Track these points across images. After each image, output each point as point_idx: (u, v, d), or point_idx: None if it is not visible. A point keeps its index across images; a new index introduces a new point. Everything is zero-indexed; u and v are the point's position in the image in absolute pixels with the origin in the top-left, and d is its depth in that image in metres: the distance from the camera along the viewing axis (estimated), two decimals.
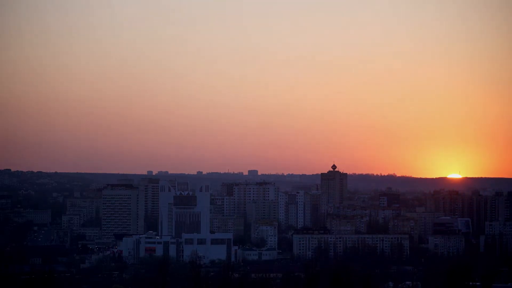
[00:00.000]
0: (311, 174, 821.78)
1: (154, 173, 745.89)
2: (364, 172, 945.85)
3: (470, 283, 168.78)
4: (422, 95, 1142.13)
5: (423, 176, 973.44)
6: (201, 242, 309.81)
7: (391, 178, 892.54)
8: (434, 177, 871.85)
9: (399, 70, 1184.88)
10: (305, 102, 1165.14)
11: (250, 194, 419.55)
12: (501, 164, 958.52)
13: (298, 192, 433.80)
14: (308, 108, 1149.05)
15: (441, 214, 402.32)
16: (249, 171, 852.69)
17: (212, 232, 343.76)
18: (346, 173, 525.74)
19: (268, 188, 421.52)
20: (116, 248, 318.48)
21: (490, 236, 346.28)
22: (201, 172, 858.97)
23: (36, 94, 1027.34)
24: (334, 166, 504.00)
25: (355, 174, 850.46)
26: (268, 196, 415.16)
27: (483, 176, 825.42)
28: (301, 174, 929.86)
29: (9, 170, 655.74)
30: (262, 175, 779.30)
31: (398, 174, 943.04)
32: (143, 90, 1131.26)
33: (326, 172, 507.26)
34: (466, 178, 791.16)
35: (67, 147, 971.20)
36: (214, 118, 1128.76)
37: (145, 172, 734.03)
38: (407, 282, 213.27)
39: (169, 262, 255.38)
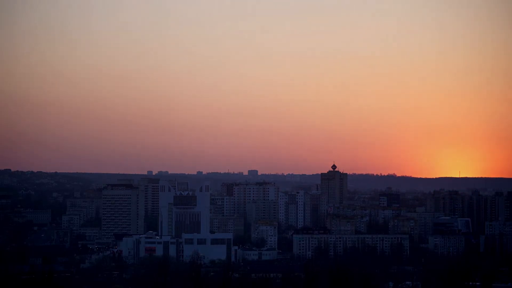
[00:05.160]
0: (311, 174, 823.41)
1: (154, 173, 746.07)
2: (364, 172, 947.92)
3: (470, 283, 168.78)
4: (422, 95, 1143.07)
5: (423, 176, 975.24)
6: (201, 242, 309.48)
7: (391, 178, 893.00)
8: (434, 177, 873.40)
9: (399, 70, 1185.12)
10: (305, 103, 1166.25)
11: (250, 194, 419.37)
12: (501, 164, 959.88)
13: (298, 192, 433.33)
14: (308, 108, 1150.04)
15: (441, 214, 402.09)
16: (249, 171, 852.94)
17: (212, 232, 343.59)
18: (346, 173, 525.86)
19: (268, 188, 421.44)
20: (116, 248, 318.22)
21: (490, 236, 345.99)
22: (201, 172, 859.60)
23: (36, 94, 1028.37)
24: (334, 166, 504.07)
25: (355, 174, 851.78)
26: (268, 196, 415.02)
27: (483, 176, 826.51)
28: (301, 174, 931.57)
29: (9, 170, 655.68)
30: (262, 175, 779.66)
31: (398, 174, 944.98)
32: (143, 90, 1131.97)
33: (326, 172, 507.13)
34: (466, 178, 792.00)
35: (67, 147, 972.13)
36: (214, 118, 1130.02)
37: (145, 172, 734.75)
38: (407, 282, 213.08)
39: (169, 262, 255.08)
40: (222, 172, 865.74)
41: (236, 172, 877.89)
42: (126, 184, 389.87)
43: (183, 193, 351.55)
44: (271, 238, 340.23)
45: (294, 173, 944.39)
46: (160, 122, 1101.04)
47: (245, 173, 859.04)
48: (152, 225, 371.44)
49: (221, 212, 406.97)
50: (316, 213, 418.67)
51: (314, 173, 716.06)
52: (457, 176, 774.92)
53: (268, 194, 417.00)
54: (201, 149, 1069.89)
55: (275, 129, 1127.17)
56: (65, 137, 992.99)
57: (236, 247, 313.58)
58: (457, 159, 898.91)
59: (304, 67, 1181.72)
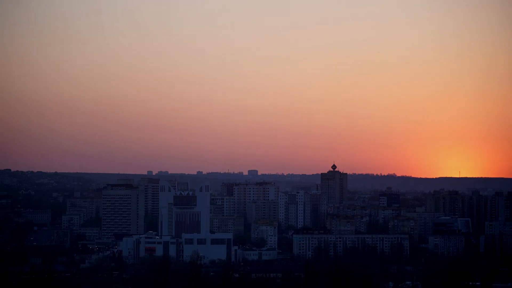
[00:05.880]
0: (311, 174, 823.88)
1: (154, 173, 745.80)
2: (364, 172, 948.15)
3: (470, 283, 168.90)
4: (422, 95, 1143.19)
5: (423, 176, 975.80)
6: (201, 242, 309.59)
7: (391, 178, 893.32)
8: (434, 177, 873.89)
9: (399, 70, 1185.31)
10: (305, 102, 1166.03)
11: (250, 194, 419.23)
12: (501, 164, 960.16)
13: (298, 192, 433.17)
14: (309, 108, 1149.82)
15: (441, 214, 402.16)
16: (249, 171, 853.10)
17: (212, 232, 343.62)
18: (346, 173, 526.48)
19: (268, 188, 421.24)
20: (116, 248, 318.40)
21: (490, 236, 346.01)
22: (201, 172, 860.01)
23: (36, 94, 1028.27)
24: (334, 166, 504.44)
25: (355, 174, 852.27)
26: (268, 196, 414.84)
27: (483, 176, 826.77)
28: (301, 174, 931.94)
29: (9, 170, 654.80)
30: (262, 175, 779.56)
31: (398, 174, 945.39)
32: (143, 90, 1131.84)
33: (326, 172, 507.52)
34: (466, 178, 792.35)
35: (67, 147, 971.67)
36: (214, 118, 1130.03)
37: (145, 172, 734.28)
38: (407, 282, 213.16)
39: (169, 262, 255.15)
40: (222, 172, 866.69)
41: (236, 172, 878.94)
42: (126, 184, 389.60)
43: (183, 193, 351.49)
44: (271, 238, 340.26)
45: (294, 173, 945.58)
46: (161, 122, 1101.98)
47: (245, 173, 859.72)
48: (152, 225, 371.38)
49: (221, 212, 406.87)
50: (316, 213, 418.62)
51: (314, 173, 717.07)
52: (457, 176, 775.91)
53: (268, 194, 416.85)
54: (201, 149, 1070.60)
55: (275, 129, 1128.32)
56: (65, 137, 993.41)
57: (236, 247, 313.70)
58: (457, 159, 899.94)
59: (304, 68, 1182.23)
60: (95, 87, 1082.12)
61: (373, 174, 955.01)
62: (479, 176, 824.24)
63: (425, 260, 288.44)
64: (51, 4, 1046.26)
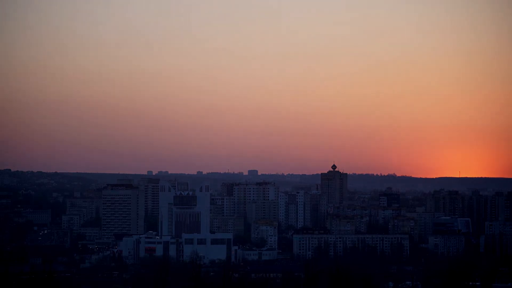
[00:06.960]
0: (311, 174, 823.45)
1: (154, 173, 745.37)
2: (364, 172, 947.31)
3: (470, 283, 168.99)
4: (422, 95, 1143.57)
5: (423, 176, 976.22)
6: (201, 242, 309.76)
7: (391, 178, 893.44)
8: (434, 177, 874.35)
9: (400, 70, 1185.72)
10: (305, 102, 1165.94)
11: (250, 194, 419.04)
12: (501, 164, 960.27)
13: (298, 192, 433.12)
14: (308, 108, 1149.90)
15: (441, 214, 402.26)
16: (249, 171, 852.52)
17: (212, 232, 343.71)
18: (346, 173, 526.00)
19: (268, 188, 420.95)
20: (116, 248, 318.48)
21: (490, 236, 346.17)
22: (201, 172, 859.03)
23: (36, 94, 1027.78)
24: (334, 166, 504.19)
25: (355, 174, 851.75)
26: (268, 196, 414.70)
27: (483, 176, 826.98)
28: (301, 174, 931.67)
29: (9, 170, 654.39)
30: (262, 175, 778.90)
31: (398, 174, 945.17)
32: (143, 90, 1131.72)
33: (326, 172, 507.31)
34: (466, 178, 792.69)
35: (67, 147, 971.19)
36: (214, 118, 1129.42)
37: (145, 172, 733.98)
38: (407, 282, 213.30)
39: (169, 262, 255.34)
40: (222, 172, 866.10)
41: (236, 172, 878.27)
42: (126, 184, 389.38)
43: (183, 193, 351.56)
44: (271, 238, 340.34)
45: (294, 173, 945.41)
46: (161, 122, 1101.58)
47: (245, 173, 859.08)
48: (152, 225, 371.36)
49: (221, 212, 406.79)
50: (316, 213, 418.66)
51: (314, 173, 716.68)
52: (457, 176, 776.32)
53: (268, 194, 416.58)
54: (201, 149, 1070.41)
55: (275, 129, 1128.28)
56: (65, 137, 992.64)
57: (236, 247, 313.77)
58: (457, 159, 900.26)
59: (303, 67, 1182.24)
60: (96, 88, 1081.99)
61: (373, 174, 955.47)
62: (479, 176, 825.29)
63: (425, 260, 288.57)
64: (49, 3, 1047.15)
